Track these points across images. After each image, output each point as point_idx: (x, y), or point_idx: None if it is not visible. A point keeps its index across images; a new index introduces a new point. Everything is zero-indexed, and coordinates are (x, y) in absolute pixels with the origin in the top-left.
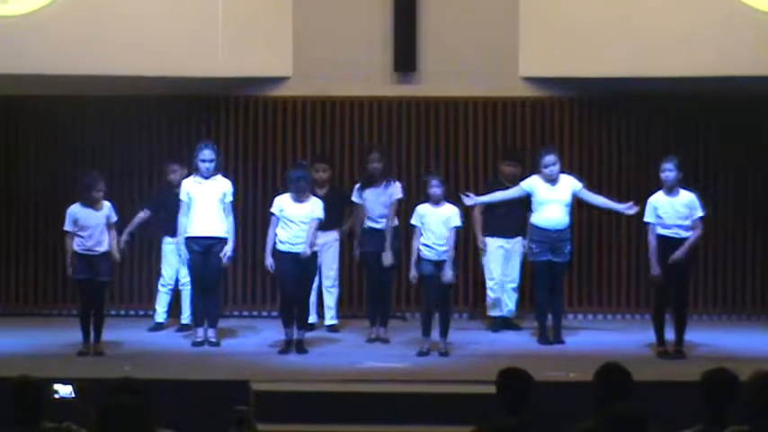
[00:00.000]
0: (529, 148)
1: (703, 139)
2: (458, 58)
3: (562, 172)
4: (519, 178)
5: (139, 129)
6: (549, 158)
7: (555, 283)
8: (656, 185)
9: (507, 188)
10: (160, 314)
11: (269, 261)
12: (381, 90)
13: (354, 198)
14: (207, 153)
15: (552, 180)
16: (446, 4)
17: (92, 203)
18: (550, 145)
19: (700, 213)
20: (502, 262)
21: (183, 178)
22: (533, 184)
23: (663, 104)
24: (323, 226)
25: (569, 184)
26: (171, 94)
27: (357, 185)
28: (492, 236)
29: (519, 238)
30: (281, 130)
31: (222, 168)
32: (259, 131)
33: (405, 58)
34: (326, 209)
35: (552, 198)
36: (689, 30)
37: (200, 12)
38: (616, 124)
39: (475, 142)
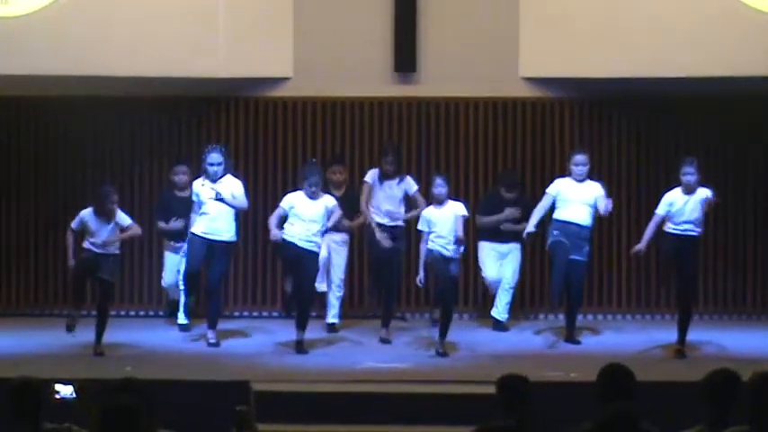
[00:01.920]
0: (528, 149)
1: (703, 139)
2: (458, 59)
3: (591, 179)
4: (514, 202)
5: (140, 129)
6: (580, 158)
7: (573, 282)
8: (656, 185)
9: (504, 199)
10: (180, 318)
11: (275, 233)
12: (382, 90)
13: (368, 179)
14: (214, 156)
15: (579, 180)
16: (446, 5)
17: (103, 214)
18: (582, 146)
19: (708, 194)
20: (496, 264)
21: (191, 180)
22: (559, 186)
23: (663, 105)
24: (335, 227)
25: (595, 189)
26: (171, 95)
27: (374, 170)
28: (487, 240)
29: (516, 244)
30: (281, 131)
31: (232, 169)
32: (259, 132)
33: (405, 58)
34: (342, 210)
35: (576, 198)
36: (689, 30)
37: (200, 12)
38: (616, 124)
39: (475, 142)
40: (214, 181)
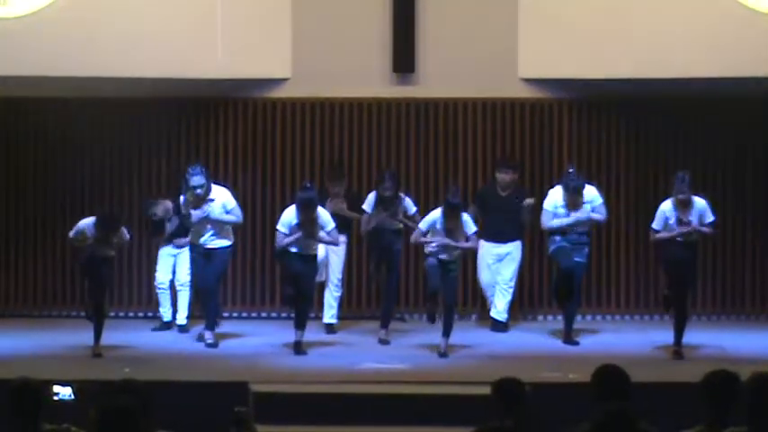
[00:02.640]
0: (527, 150)
1: (702, 140)
2: (457, 59)
3: (588, 182)
4: (511, 185)
5: (139, 130)
6: (574, 186)
7: (572, 284)
8: (655, 187)
9: (502, 196)
10: (165, 314)
11: (293, 238)
12: (380, 91)
13: (366, 207)
14: (197, 179)
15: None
16: (445, 5)
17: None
18: (574, 167)
19: (711, 218)
20: (491, 269)
21: (167, 208)
22: (554, 198)
23: (662, 106)
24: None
25: (589, 195)
26: (170, 96)
27: (372, 195)
28: (486, 240)
29: (516, 242)
30: (279, 132)
31: (212, 179)
32: (258, 133)
33: (403, 59)
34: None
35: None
36: (688, 31)
37: (199, 14)
38: (615, 125)
39: (474, 143)
40: (201, 201)
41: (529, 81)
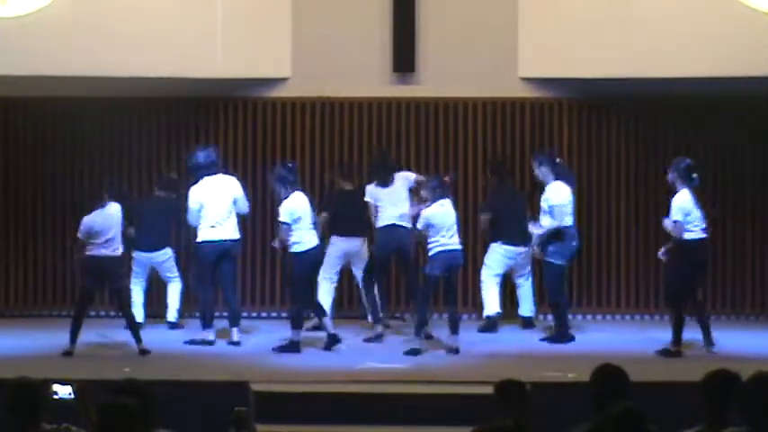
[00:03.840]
0: (527, 150)
1: (702, 140)
2: (457, 59)
3: (565, 179)
4: (490, 186)
5: (138, 130)
6: (542, 155)
7: (545, 282)
8: (655, 186)
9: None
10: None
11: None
12: (380, 91)
13: (368, 198)
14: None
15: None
16: (445, 5)
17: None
18: (540, 151)
19: (672, 217)
20: None
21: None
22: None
23: (662, 105)
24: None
25: (548, 194)
26: (170, 96)
27: (372, 185)
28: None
29: (491, 244)
30: (279, 132)
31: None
32: (258, 133)
33: (404, 58)
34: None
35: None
36: (689, 31)
37: (199, 13)
38: (615, 125)
39: (474, 143)
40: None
41: (529, 81)
